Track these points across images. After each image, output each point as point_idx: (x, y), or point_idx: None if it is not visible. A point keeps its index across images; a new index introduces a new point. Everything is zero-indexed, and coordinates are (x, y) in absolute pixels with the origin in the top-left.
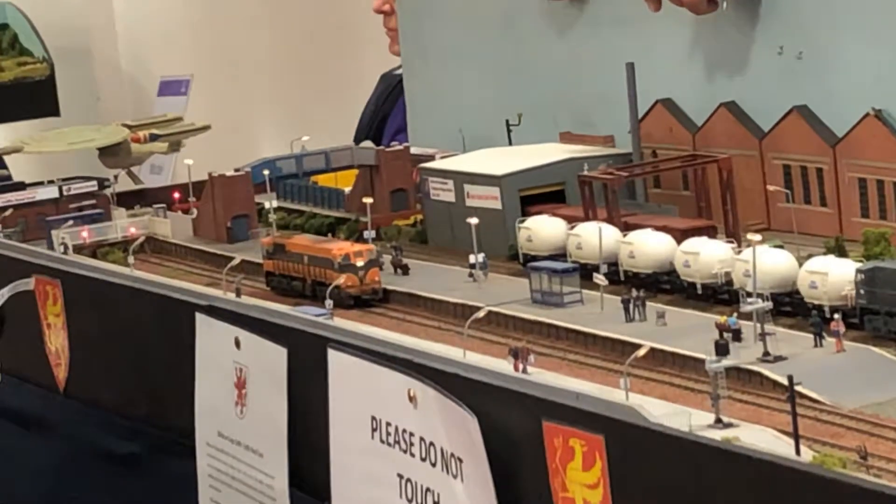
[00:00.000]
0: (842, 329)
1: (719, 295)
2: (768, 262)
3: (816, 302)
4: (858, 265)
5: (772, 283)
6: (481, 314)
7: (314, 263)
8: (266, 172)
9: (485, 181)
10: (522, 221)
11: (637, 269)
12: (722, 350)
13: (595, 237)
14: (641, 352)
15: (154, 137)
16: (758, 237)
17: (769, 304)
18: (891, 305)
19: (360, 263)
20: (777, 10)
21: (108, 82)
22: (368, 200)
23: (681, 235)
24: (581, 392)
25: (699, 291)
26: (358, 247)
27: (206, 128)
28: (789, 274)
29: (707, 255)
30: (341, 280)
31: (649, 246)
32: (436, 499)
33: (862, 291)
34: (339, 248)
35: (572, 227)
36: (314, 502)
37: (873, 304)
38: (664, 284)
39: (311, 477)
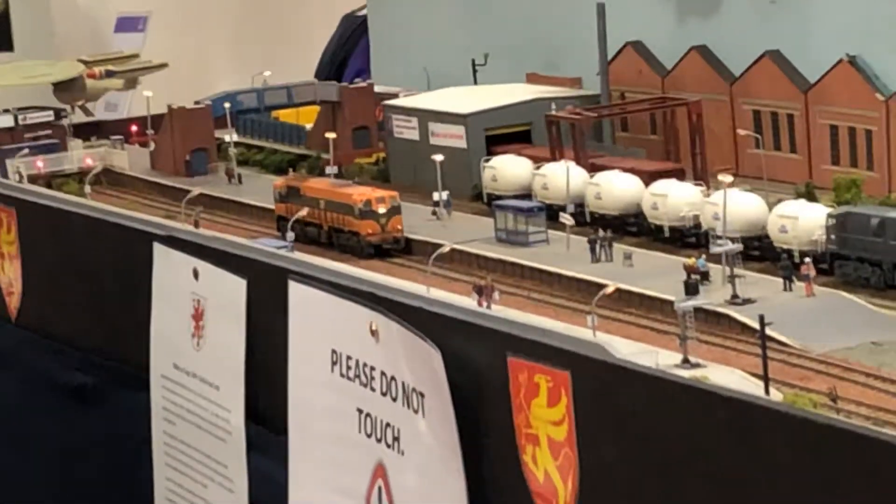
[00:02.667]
0: (812, 273)
1: (687, 238)
2: (738, 205)
3: (786, 246)
4: (830, 210)
5: (741, 227)
6: (445, 250)
7: (332, 209)
8: (227, 105)
9: (450, 119)
10: (488, 160)
11: (604, 211)
12: (692, 290)
13: (561, 178)
14: (608, 290)
15: (110, 74)
16: (729, 178)
17: (739, 247)
18: (862, 251)
19: (381, 210)
20: None
21: (64, 18)
22: (331, 136)
23: (649, 178)
24: (547, 328)
25: (667, 234)
26: (380, 193)
27: (163, 66)
28: (759, 218)
29: (675, 198)
30: (361, 227)
31: (617, 187)
32: (395, 434)
33: (833, 237)
34: (360, 193)
35: (538, 167)
36: (270, 436)
37: (844, 250)
38: (631, 227)
39: (268, 411)
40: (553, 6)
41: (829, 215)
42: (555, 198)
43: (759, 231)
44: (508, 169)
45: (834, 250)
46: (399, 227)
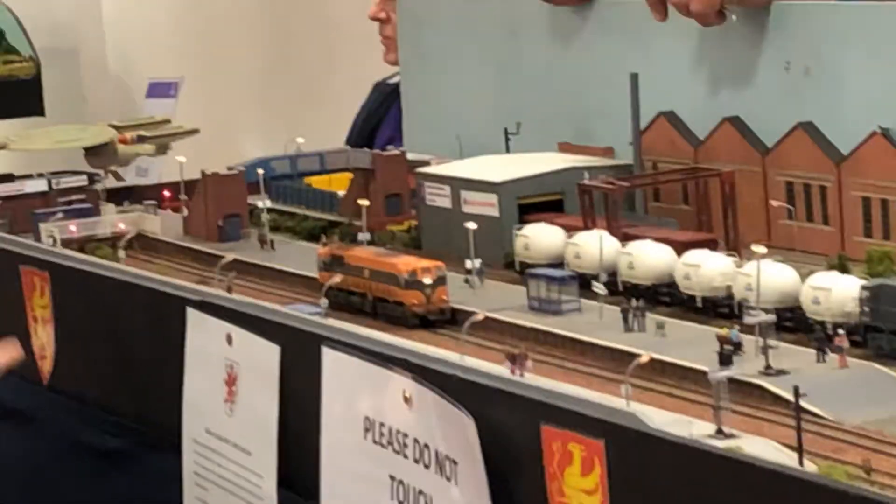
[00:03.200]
0: (845, 344)
1: (719, 308)
2: (771, 276)
3: (819, 318)
4: (863, 282)
5: (774, 298)
6: (479, 318)
7: (377, 279)
8: (260, 172)
9: (482, 188)
10: (520, 229)
11: (636, 281)
12: (726, 360)
13: (593, 247)
14: (643, 359)
15: (141, 139)
16: (763, 249)
17: (773, 317)
18: (895, 324)
19: (427, 280)
20: (785, 25)
21: (95, 83)
22: (364, 203)
23: (682, 248)
24: (581, 397)
25: (699, 304)
26: (426, 262)
27: (194, 131)
28: (792, 289)
29: (708, 268)
30: (406, 297)
31: (649, 257)
32: (428, 501)
33: (866, 309)
34: (406, 262)
35: (570, 236)
36: (302, 502)
37: (877, 322)
38: (663, 297)
39: (300, 477)
40: (586, 76)
41: (863, 287)
42: (587, 267)
43: (791, 302)
44: (541, 238)
45: (867, 322)
46: (445, 297)
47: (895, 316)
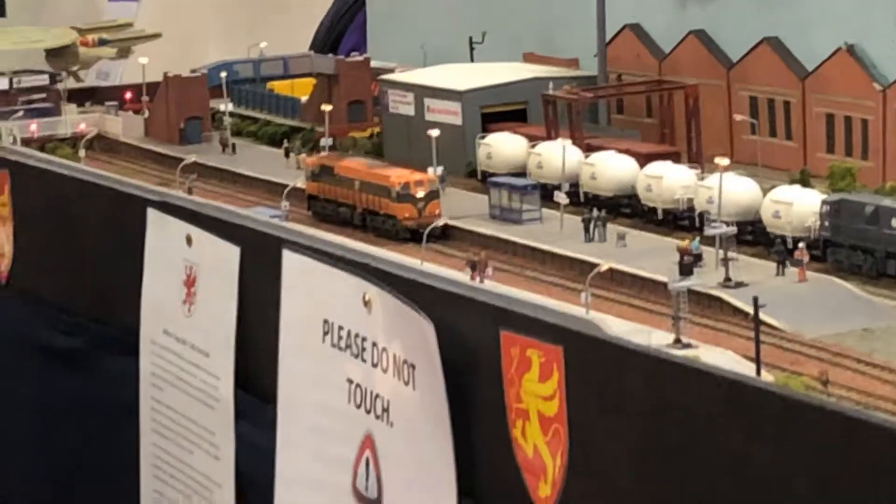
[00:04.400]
0: (805, 258)
1: (680, 221)
2: (733, 190)
3: (779, 232)
4: (824, 196)
5: (735, 212)
6: (439, 224)
7: (367, 190)
8: (223, 75)
9: (446, 96)
10: (483, 138)
11: (598, 191)
12: (686, 270)
13: (556, 157)
14: (602, 268)
15: (103, 42)
16: (725, 161)
17: (733, 230)
18: (855, 239)
19: (420, 194)
20: None
21: None
22: (327, 108)
23: (644, 160)
24: (541, 304)
25: (660, 216)
26: (419, 175)
27: (156, 35)
28: (753, 203)
29: (670, 180)
30: (399, 210)
31: (612, 168)
32: (385, 405)
33: (826, 223)
34: (398, 175)
35: (533, 146)
36: (259, 404)
37: (837, 237)
38: (625, 208)
39: (258, 379)
40: None
41: (824, 202)
42: (549, 177)
43: (752, 216)
44: (503, 147)
45: (827, 237)
46: (437, 211)
47: (855, 231)
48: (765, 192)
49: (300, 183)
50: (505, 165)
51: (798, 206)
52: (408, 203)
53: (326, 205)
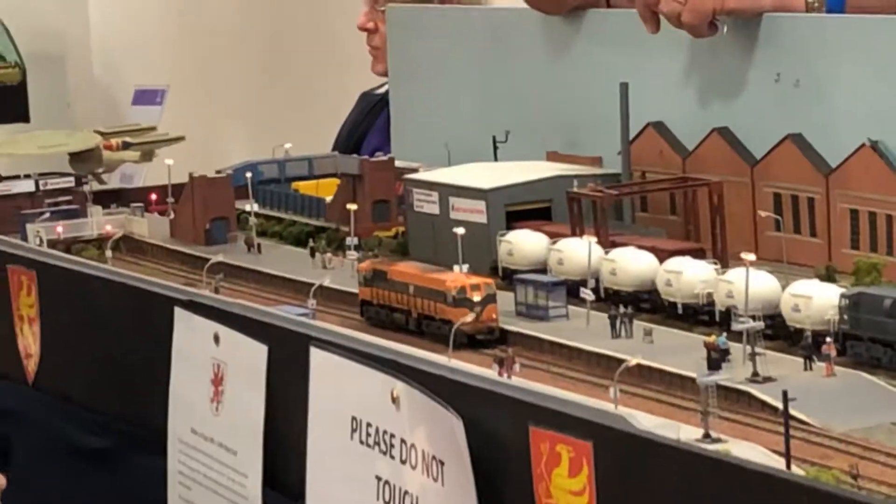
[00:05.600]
0: (833, 353)
1: (700, 316)
2: (752, 283)
3: (799, 326)
4: (843, 290)
5: (754, 306)
6: (467, 320)
7: (422, 295)
8: (248, 175)
9: (470, 194)
10: (503, 235)
11: (618, 287)
12: (714, 364)
13: (576, 253)
14: (631, 363)
15: (127, 145)
16: (752, 256)
17: (760, 325)
18: (874, 332)
19: (476, 298)
20: (776, 37)
21: (81, 90)
22: (352, 207)
23: (666, 255)
24: (570, 399)
25: (680, 311)
26: (475, 279)
27: (179, 139)
28: (772, 297)
29: (689, 275)
30: (455, 315)
31: (632, 263)
32: (414, 502)
33: (845, 317)
34: (454, 279)
35: (554, 242)
36: (287, 502)
37: (856, 330)
38: (644, 303)
39: (286, 477)
40: (575, 85)
41: (842, 296)
42: (570, 273)
43: (772, 310)
44: (524, 243)
45: (846, 330)
46: (494, 315)
47: (874, 324)
48: (785, 286)
49: (327, 282)
50: (526, 262)
51: (817, 299)
52: (464, 307)
53: (380, 310)
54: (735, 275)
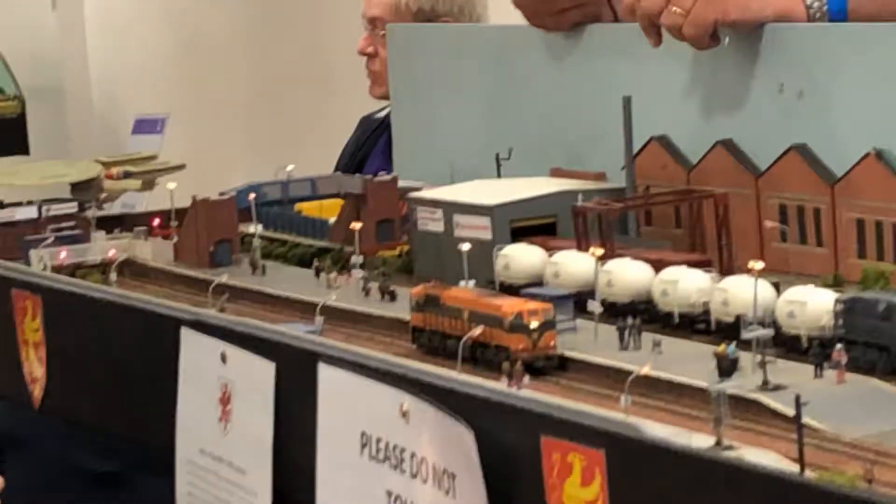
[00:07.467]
0: (843, 360)
1: (697, 324)
2: (748, 291)
3: (794, 331)
4: (838, 295)
5: (751, 313)
6: (475, 333)
7: (477, 321)
8: (251, 197)
9: (475, 211)
10: (500, 249)
11: (615, 298)
12: (726, 371)
13: (573, 266)
14: (641, 371)
15: (128, 175)
16: (760, 264)
17: (770, 332)
18: (869, 336)
19: (534, 325)
20: (778, 48)
21: (80, 121)
22: (357, 226)
23: (666, 266)
24: (580, 409)
25: (676, 320)
26: (533, 305)
27: (180, 167)
28: (768, 304)
29: (685, 284)
30: (512, 342)
31: (628, 274)
32: None
33: (840, 322)
34: (510, 304)
35: (551, 255)
36: None
37: (851, 335)
38: (641, 314)
39: (296, 495)
40: (578, 100)
41: (837, 301)
42: (567, 285)
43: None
44: (521, 257)
45: (842, 335)
46: (553, 343)
47: (869, 328)
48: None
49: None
50: (523, 276)
51: (812, 305)
52: (521, 334)
53: (433, 336)
54: (730, 282)
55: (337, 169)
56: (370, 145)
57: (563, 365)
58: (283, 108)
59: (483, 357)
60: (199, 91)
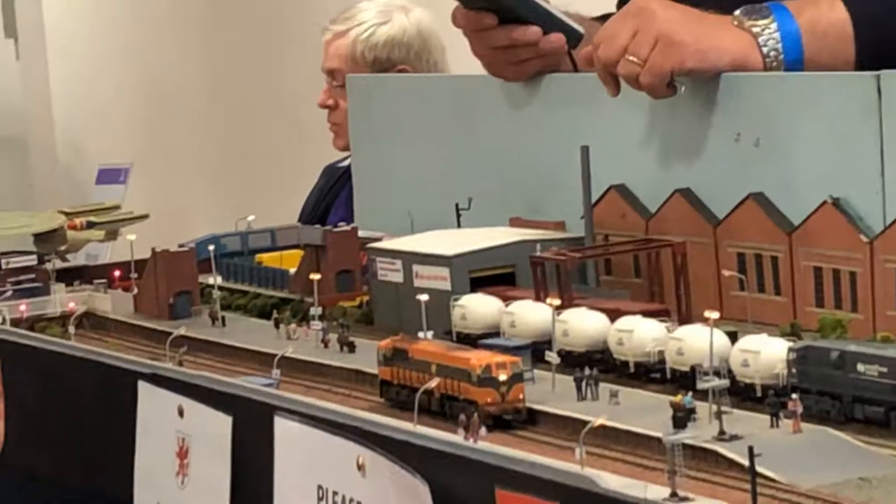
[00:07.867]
0: (799, 409)
1: (651, 374)
2: (703, 341)
3: (748, 380)
4: (790, 344)
5: (702, 361)
6: (432, 384)
7: (445, 374)
8: (211, 248)
9: (434, 261)
10: (457, 299)
11: (571, 347)
12: (680, 423)
13: (528, 315)
14: (596, 423)
15: (91, 225)
16: (715, 314)
17: (726, 382)
18: (822, 385)
19: (502, 377)
20: (735, 97)
21: (44, 171)
22: (316, 277)
23: (623, 316)
24: (536, 461)
25: (632, 369)
26: (501, 358)
27: (143, 217)
28: (723, 353)
29: (640, 333)
30: (480, 396)
31: (584, 323)
32: None
33: (794, 370)
34: (479, 357)
35: (507, 305)
36: None
37: (804, 384)
38: (597, 363)
39: None
40: (537, 150)
41: (790, 349)
42: (522, 335)
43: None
44: (477, 307)
45: (795, 384)
46: (521, 396)
47: (822, 377)
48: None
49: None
50: (480, 325)
51: (766, 354)
52: (490, 387)
53: (401, 390)
54: (685, 332)
55: (302, 216)
56: (334, 194)
57: (532, 418)
58: (246, 157)
59: (452, 411)
60: (164, 141)
